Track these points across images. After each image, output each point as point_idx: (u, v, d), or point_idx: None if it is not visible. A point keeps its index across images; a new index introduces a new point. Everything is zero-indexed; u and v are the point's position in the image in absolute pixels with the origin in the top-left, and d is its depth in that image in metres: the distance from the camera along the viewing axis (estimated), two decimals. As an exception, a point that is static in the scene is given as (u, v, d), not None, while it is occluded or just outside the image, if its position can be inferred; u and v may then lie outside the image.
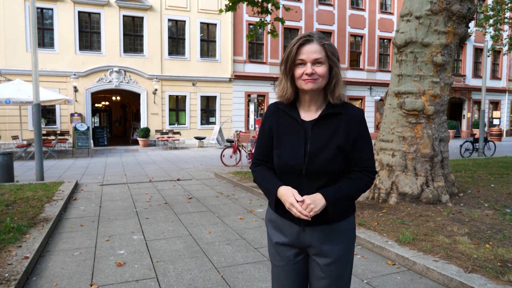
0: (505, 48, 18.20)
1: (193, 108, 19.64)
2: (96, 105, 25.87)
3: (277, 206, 1.57)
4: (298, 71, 1.48)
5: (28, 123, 16.46)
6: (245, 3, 9.21)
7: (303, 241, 1.57)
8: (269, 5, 11.16)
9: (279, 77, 1.59)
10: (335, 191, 1.47)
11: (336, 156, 1.48)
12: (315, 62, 1.45)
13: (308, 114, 1.56)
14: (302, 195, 1.51)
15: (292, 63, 1.49)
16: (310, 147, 1.49)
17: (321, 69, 1.46)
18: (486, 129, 25.29)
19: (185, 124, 19.65)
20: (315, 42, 1.46)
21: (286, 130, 1.56)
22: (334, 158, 1.48)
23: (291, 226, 1.58)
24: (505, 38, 17.77)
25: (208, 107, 20.17)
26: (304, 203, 1.44)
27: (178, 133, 18.81)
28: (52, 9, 16.76)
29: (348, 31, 22.79)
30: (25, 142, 14.04)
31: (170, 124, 19.31)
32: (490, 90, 26.24)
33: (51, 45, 16.92)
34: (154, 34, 18.47)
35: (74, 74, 16.93)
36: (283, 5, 9.69)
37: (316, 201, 1.44)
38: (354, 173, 1.54)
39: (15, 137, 14.26)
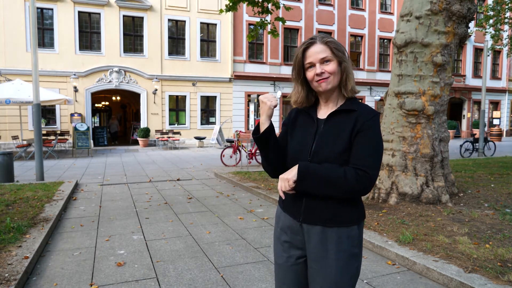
0: (506, 49, 18.19)
1: (193, 108, 19.63)
2: (96, 105, 25.85)
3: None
4: (309, 74, 1.52)
5: (28, 123, 16.46)
6: (246, 3, 9.20)
7: (301, 239, 1.56)
8: (270, 5, 11.16)
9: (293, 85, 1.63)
10: (313, 165, 1.45)
11: (340, 154, 1.45)
12: (323, 61, 1.48)
13: (325, 111, 1.58)
14: None
15: (302, 68, 1.52)
16: (316, 142, 1.51)
17: (330, 67, 1.48)
18: (486, 129, 25.28)
19: (185, 124, 19.65)
20: (318, 42, 1.50)
21: (300, 126, 1.61)
22: (337, 155, 1.45)
23: (291, 220, 1.59)
24: (505, 38, 17.76)
25: (208, 107, 20.16)
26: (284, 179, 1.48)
27: (178, 133, 18.81)
28: (52, 9, 16.76)
29: (348, 31, 22.79)
30: (25, 142, 14.03)
31: (170, 124, 19.31)
32: (490, 90, 26.24)
33: (51, 45, 16.91)
34: (154, 34, 18.46)
35: (74, 74, 16.92)
36: (283, 4, 9.67)
37: (291, 171, 1.46)
38: (346, 166, 1.46)
39: (15, 137, 14.27)
